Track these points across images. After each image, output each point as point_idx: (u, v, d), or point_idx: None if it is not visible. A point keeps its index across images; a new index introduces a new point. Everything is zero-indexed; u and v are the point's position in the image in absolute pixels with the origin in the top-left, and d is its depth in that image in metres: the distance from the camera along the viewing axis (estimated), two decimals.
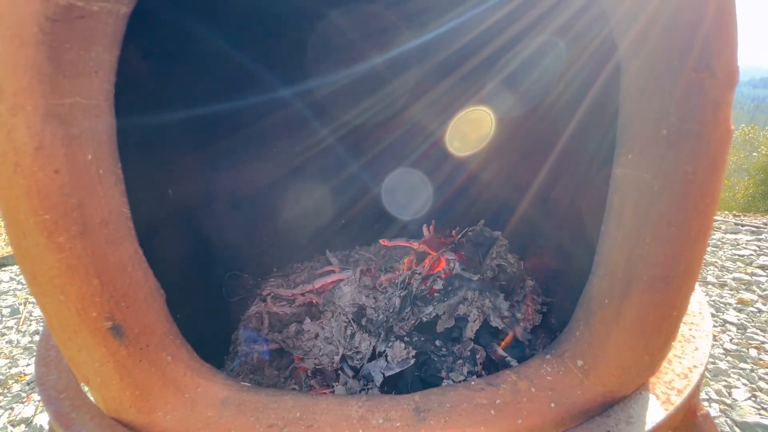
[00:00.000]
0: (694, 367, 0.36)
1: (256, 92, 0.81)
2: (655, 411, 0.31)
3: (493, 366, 0.64)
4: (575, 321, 0.37)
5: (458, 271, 0.77)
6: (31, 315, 1.77)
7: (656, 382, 0.34)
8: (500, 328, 0.69)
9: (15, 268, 2.31)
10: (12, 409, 1.20)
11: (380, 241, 1.01)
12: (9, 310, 1.82)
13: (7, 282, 2.12)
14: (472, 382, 0.36)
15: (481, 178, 0.93)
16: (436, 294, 0.76)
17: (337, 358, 0.70)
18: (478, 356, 0.66)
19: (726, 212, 3.54)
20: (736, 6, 0.26)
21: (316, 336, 0.75)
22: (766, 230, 2.19)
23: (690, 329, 0.42)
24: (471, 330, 0.69)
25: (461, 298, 0.72)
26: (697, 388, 0.35)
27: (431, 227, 0.97)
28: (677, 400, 0.32)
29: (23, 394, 1.26)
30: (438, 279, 0.78)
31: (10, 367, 1.40)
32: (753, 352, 1.25)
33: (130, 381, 0.32)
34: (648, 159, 0.28)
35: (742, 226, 2.29)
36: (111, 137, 0.31)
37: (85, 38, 0.27)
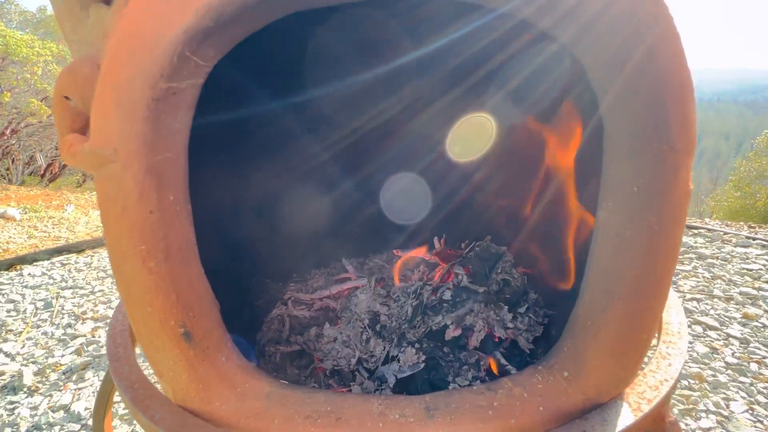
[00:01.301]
0: (665, 380, 0.42)
1: (280, 108, 0.89)
2: (627, 416, 0.37)
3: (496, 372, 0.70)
4: (564, 337, 0.43)
5: (466, 283, 0.84)
6: (63, 309, 1.88)
7: (630, 392, 0.40)
8: (503, 338, 0.76)
9: (46, 263, 2.45)
10: (51, 396, 1.30)
11: (394, 251, 1.08)
12: (42, 303, 1.94)
13: (39, 276, 2.25)
14: (474, 387, 0.43)
15: (488, 194, 0.99)
16: (445, 304, 0.83)
17: (353, 361, 0.77)
18: (482, 363, 0.72)
19: (742, 223, 3.51)
20: (694, 89, 0.33)
21: (335, 339, 0.82)
22: None
23: (667, 347, 0.48)
24: (476, 339, 0.75)
25: (468, 310, 0.79)
26: (666, 399, 0.41)
27: (442, 240, 1.03)
28: (646, 408, 0.38)
29: (60, 383, 1.36)
30: (447, 290, 0.84)
31: (46, 357, 1.51)
32: (754, 366, 1.28)
33: (195, 376, 0.40)
34: (622, 209, 0.35)
35: (753, 239, 2.30)
36: (186, 179, 0.39)
37: (175, 108, 0.34)
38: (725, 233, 2.40)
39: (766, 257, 2.05)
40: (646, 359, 0.46)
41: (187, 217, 0.39)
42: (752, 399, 1.15)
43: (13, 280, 2.20)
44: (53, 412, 1.21)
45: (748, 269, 1.94)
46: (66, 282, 2.16)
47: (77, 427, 1.15)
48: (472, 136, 0.96)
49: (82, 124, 0.48)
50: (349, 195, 1.15)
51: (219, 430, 0.38)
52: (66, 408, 1.23)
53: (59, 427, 1.15)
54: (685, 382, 1.23)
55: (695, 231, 2.49)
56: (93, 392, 1.29)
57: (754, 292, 1.72)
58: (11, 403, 1.27)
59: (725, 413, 1.11)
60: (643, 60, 0.30)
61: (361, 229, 1.21)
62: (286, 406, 0.41)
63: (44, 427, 1.16)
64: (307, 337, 0.85)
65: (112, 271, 0.37)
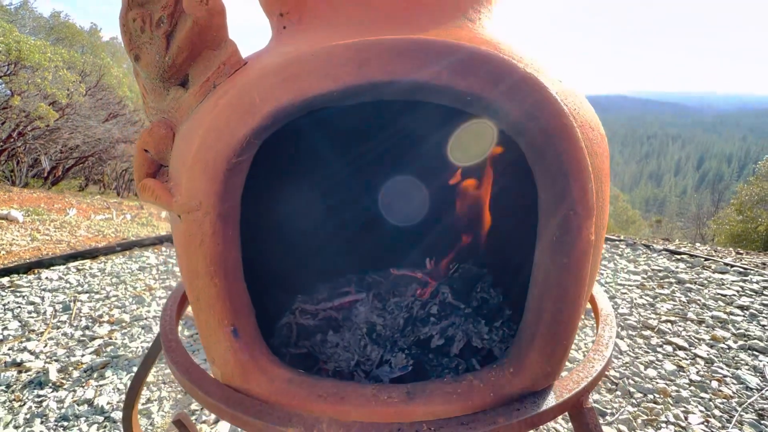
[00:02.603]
0: (585, 378, 0.56)
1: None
2: (550, 400, 0.51)
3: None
4: (513, 344, 0.57)
5: (450, 300, 0.98)
6: (80, 312, 2.02)
7: (558, 384, 0.54)
8: (480, 347, 0.90)
9: (62, 267, 2.59)
10: (74, 391, 1.43)
11: (390, 270, 1.23)
12: (61, 306, 2.08)
13: (57, 281, 2.39)
14: (444, 379, 0.57)
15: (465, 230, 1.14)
16: (432, 317, 0.97)
17: (352, 363, 0.91)
18: (460, 368, 0.86)
19: (730, 249, 3.64)
20: (590, 170, 0.48)
21: (337, 345, 0.96)
22: (752, 272, 2.33)
23: (595, 354, 0.62)
24: (456, 347, 0.89)
25: (450, 322, 0.93)
26: (584, 390, 0.55)
27: (432, 261, 1.18)
28: (566, 396, 0.52)
29: (82, 380, 1.49)
30: (434, 306, 0.99)
31: (68, 356, 1.64)
32: (714, 384, 1.41)
33: (239, 363, 0.54)
34: (548, 251, 0.49)
35: (731, 266, 2.43)
36: (238, 218, 0.54)
37: (238, 173, 0.50)
38: (706, 259, 2.53)
39: (740, 284, 2.19)
40: (579, 359, 0.60)
41: (237, 246, 0.54)
42: (709, 413, 1.28)
43: (32, 283, 2.34)
44: (78, 405, 1.34)
45: (722, 294, 2.07)
46: (82, 286, 2.29)
47: (101, 419, 1.28)
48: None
49: (154, 170, 0.64)
50: (351, 223, 1.30)
51: (254, 402, 0.52)
52: (90, 402, 1.35)
53: (84, 418, 1.28)
54: (650, 396, 1.36)
55: (678, 257, 2.63)
56: (113, 389, 1.42)
57: (725, 316, 1.86)
58: (38, 396, 1.40)
59: (683, 424, 1.23)
60: (553, 154, 0.45)
61: (361, 250, 1.35)
62: (303, 388, 0.55)
63: (71, 418, 1.28)
64: (313, 342, 0.99)
65: (186, 285, 0.51)
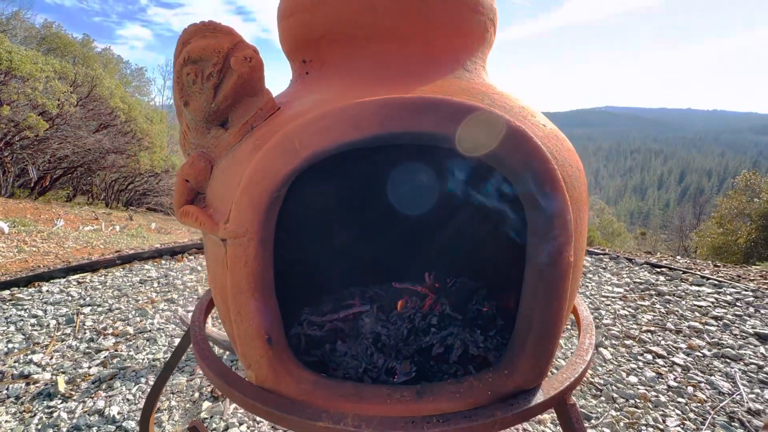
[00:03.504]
0: (568, 378, 0.66)
1: None
2: (539, 397, 0.61)
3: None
4: (507, 350, 0.67)
5: (448, 311, 1.08)
6: (84, 325, 2.06)
7: (545, 384, 0.64)
8: (476, 354, 0.99)
9: (62, 280, 2.61)
10: (84, 402, 1.47)
11: (393, 284, 1.32)
12: (64, 318, 2.11)
13: (58, 294, 2.42)
14: (449, 381, 0.66)
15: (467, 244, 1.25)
16: (432, 328, 1.06)
17: (360, 370, 0.99)
18: (458, 373, 0.95)
19: (709, 262, 3.81)
20: (570, 209, 0.59)
21: (345, 354, 1.04)
22: (726, 284, 2.48)
23: (577, 359, 0.71)
24: (455, 355, 0.98)
25: (449, 332, 1.02)
26: (568, 388, 0.64)
27: (432, 276, 1.28)
28: (553, 393, 0.62)
29: (91, 391, 1.53)
30: (434, 317, 1.08)
31: (75, 368, 1.68)
32: (690, 389, 1.52)
33: (271, 367, 0.62)
34: (536, 271, 0.60)
35: (707, 279, 2.58)
36: (272, 243, 0.63)
37: (276, 205, 0.59)
38: (684, 272, 2.68)
39: (715, 295, 2.33)
40: (562, 362, 0.70)
41: (272, 266, 0.63)
42: (685, 416, 1.39)
43: (33, 296, 2.36)
44: (89, 415, 1.39)
45: (698, 305, 2.21)
46: (84, 299, 2.33)
47: (113, 428, 1.32)
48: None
49: (192, 197, 0.73)
50: (357, 245, 1.39)
51: (286, 400, 0.61)
52: (100, 412, 1.40)
53: (96, 428, 1.33)
54: (632, 401, 1.46)
55: (658, 270, 2.77)
56: (123, 399, 1.47)
57: (700, 326, 1.98)
58: (48, 407, 1.44)
59: (661, 427, 1.33)
60: (540, 194, 0.56)
61: (365, 266, 1.44)
62: (327, 389, 0.63)
63: (83, 428, 1.33)
64: (324, 351, 1.07)
65: (230, 301, 0.60)
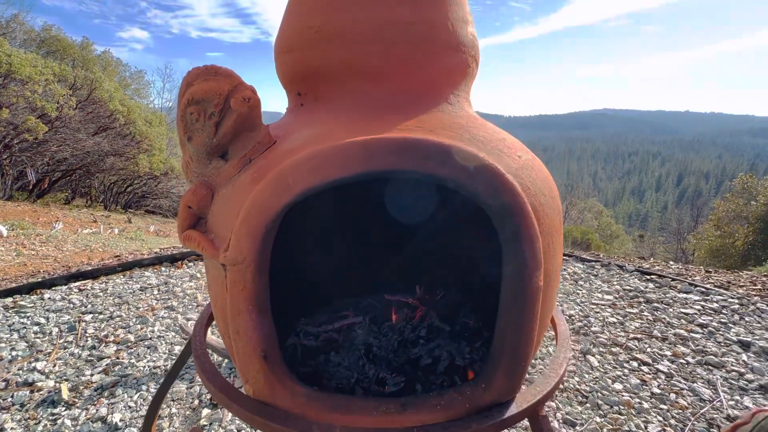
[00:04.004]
0: (541, 391, 0.71)
1: None
2: (513, 409, 0.66)
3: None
4: (485, 365, 0.72)
5: (436, 323, 1.14)
6: (85, 332, 2.10)
7: (519, 397, 0.70)
8: (462, 365, 1.05)
9: (64, 288, 2.66)
10: (87, 409, 1.52)
11: (385, 296, 1.37)
12: (66, 326, 2.16)
13: (60, 301, 2.47)
14: (431, 394, 0.72)
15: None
16: (421, 339, 1.12)
17: (353, 381, 1.04)
18: (445, 383, 1.00)
19: (700, 267, 3.87)
20: (539, 237, 0.64)
21: (339, 364, 1.10)
22: (713, 292, 2.54)
23: (551, 372, 0.77)
24: (442, 366, 1.04)
25: (437, 344, 1.08)
26: (540, 401, 0.70)
27: (422, 288, 1.33)
28: (525, 405, 0.67)
29: (94, 398, 1.58)
30: (423, 329, 1.14)
31: (77, 376, 1.73)
32: (672, 396, 1.58)
33: (267, 382, 0.68)
34: (510, 293, 0.65)
35: (696, 287, 2.64)
36: (268, 265, 0.68)
37: (271, 234, 0.65)
38: (672, 279, 2.74)
39: (701, 303, 2.39)
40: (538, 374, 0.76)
41: (268, 288, 0.69)
42: (666, 422, 1.44)
43: (35, 303, 2.41)
44: (92, 422, 1.44)
45: (685, 313, 2.27)
46: (85, 307, 2.38)
47: None
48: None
49: (194, 222, 0.79)
50: (352, 258, 1.45)
51: (281, 412, 0.66)
52: (103, 419, 1.45)
53: None
54: (616, 408, 1.51)
55: (648, 277, 2.83)
56: (125, 406, 1.52)
57: (686, 333, 2.04)
58: (52, 414, 1.49)
59: None
60: (510, 225, 0.62)
61: (359, 278, 1.50)
62: (319, 402, 0.69)
63: None
64: (318, 362, 1.12)
65: (229, 320, 0.66)
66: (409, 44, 0.75)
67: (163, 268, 3.02)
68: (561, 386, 1.65)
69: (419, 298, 1.30)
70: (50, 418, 1.47)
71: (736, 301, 2.39)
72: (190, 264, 3.14)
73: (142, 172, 14.06)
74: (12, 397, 1.57)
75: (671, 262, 3.78)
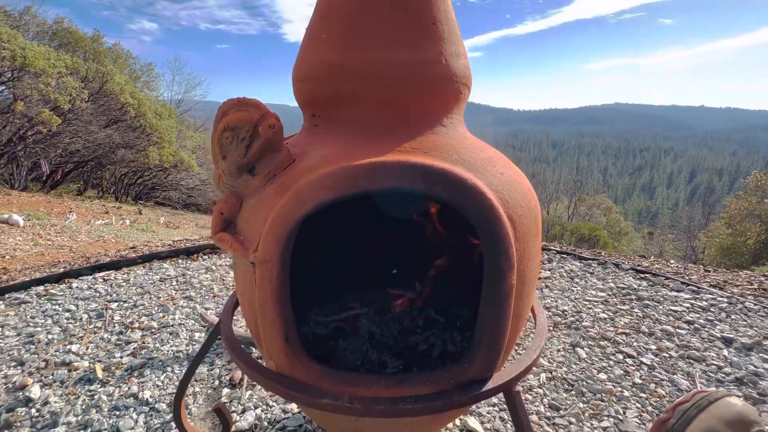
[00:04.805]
0: (514, 372, 0.85)
1: None
2: (490, 385, 0.81)
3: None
4: (469, 349, 0.86)
5: (432, 315, 1.28)
6: (112, 319, 2.28)
7: (496, 375, 0.84)
8: (453, 351, 1.19)
9: (89, 277, 2.85)
10: (120, 387, 1.69)
11: (388, 289, 1.52)
12: (94, 313, 2.34)
13: (87, 290, 2.66)
14: (423, 372, 0.86)
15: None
16: (418, 329, 1.26)
17: (358, 363, 1.19)
18: (439, 367, 1.15)
19: (699, 266, 3.95)
20: (513, 252, 0.78)
21: (345, 349, 1.25)
22: (704, 290, 2.64)
23: (525, 357, 0.91)
24: (436, 351, 1.18)
25: (432, 333, 1.22)
26: (515, 378, 0.84)
27: (420, 283, 1.47)
28: (500, 382, 0.82)
29: (125, 378, 1.76)
30: (420, 319, 1.28)
31: (109, 358, 1.90)
32: (652, 386, 1.71)
33: (287, 359, 0.83)
34: (488, 288, 0.79)
35: (687, 285, 2.74)
36: (289, 263, 0.83)
37: (292, 238, 0.79)
38: (666, 278, 2.85)
39: (691, 301, 2.50)
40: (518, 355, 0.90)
41: (288, 283, 0.83)
42: (643, 409, 1.58)
43: (65, 292, 2.60)
44: (126, 398, 1.61)
45: (673, 310, 2.38)
46: (111, 296, 2.56)
47: (147, 409, 1.55)
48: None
49: (225, 226, 0.93)
50: (360, 256, 1.59)
51: (299, 383, 0.81)
52: (135, 396, 1.62)
53: (133, 409, 1.55)
54: (599, 395, 1.65)
55: (642, 275, 2.94)
56: (153, 385, 1.69)
57: (672, 330, 2.16)
58: (90, 390, 1.67)
59: (621, 418, 1.53)
60: (487, 233, 0.75)
61: (365, 275, 1.64)
62: (330, 376, 0.83)
63: (122, 408, 1.55)
64: (328, 348, 1.27)
65: (257, 309, 0.80)
66: (407, 79, 0.88)
67: (179, 261, 3.20)
68: (550, 374, 1.79)
69: (418, 291, 1.44)
70: (88, 393, 1.65)
71: (725, 299, 2.50)
72: (205, 257, 3.31)
73: (152, 164, 14.27)
74: (52, 375, 1.75)
75: (672, 261, 3.87)
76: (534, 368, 1.83)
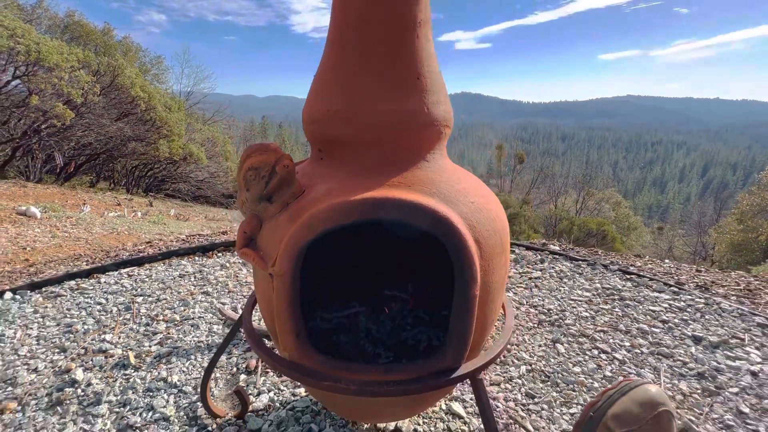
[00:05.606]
0: (478, 363, 1.06)
1: None
2: (459, 372, 1.02)
3: None
4: (442, 344, 1.08)
5: (420, 315, 1.49)
6: (139, 312, 2.54)
7: (463, 365, 1.05)
8: (437, 346, 1.40)
9: (115, 273, 3.11)
10: (151, 372, 1.94)
11: (384, 290, 1.73)
12: (123, 306, 2.59)
13: (114, 285, 2.91)
14: (407, 362, 1.08)
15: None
16: (408, 326, 1.48)
17: (356, 355, 1.41)
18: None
19: (693, 266, 4.10)
20: (476, 264, 0.99)
21: (346, 343, 1.47)
22: (684, 291, 2.82)
23: (489, 351, 1.12)
24: (422, 346, 1.40)
25: (420, 330, 1.44)
26: (480, 368, 1.05)
27: (412, 287, 1.69)
28: (466, 371, 1.03)
29: (155, 364, 2.00)
30: (411, 318, 1.50)
31: (139, 346, 2.15)
32: (620, 378, 1.91)
33: (297, 350, 1.05)
34: (457, 296, 1.00)
35: (669, 286, 2.92)
36: (299, 275, 1.04)
37: (303, 254, 1.00)
38: (650, 279, 3.02)
39: (669, 302, 2.68)
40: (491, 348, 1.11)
41: (298, 291, 1.05)
42: None
43: (95, 286, 2.86)
44: (157, 381, 1.86)
45: (651, 310, 2.57)
46: (136, 290, 2.82)
47: (176, 390, 1.79)
48: None
49: (248, 242, 1.15)
50: (360, 267, 1.80)
51: (307, 369, 1.03)
52: (165, 380, 1.87)
53: (163, 390, 1.80)
54: (571, 386, 1.86)
55: (628, 276, 3.12)
56: (179, 371, 1.93)
57: (647, 328, 2.35)
58: (125, 374, 1.92)
59: None
60: (456, 254, 0.95)
61: (364, 281, 1.86)
62: (331, 364, 1.05)
63: (154, 390, 1.80)
64: (330, 342, 1.49)
65: (274, 311, 1.02)
66: (396, 124, 1.08)
67: (196, 258, 3.45)
68: (530, 367, 1.99)
69: (410, 293, 1.66)
70: (124, 377, 1.90)
71: (702, 300, 2.68)
72: (219, 254, 3.56)
73: (162, 157, 14.53)
74: (92, 360, 2.00)
75: (666, 261, 4.03)
76: (515, 361, 2.04)
